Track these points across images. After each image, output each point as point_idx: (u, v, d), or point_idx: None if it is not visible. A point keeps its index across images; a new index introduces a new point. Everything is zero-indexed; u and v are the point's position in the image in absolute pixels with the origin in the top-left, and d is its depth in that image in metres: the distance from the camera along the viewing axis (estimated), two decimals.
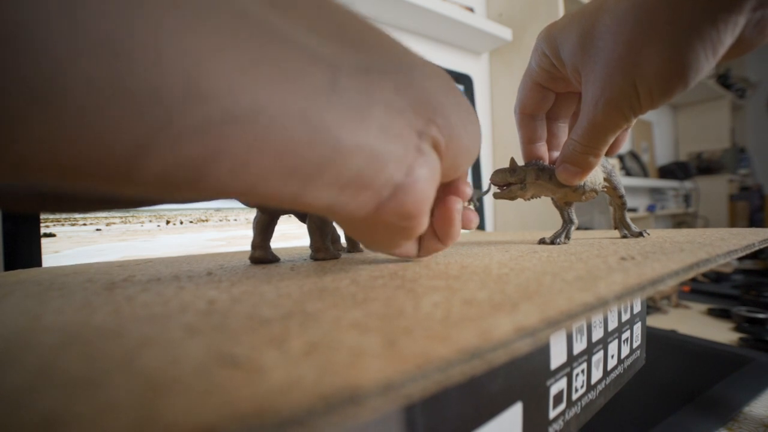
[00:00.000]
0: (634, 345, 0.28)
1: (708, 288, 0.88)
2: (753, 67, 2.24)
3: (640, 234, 0.28)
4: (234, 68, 0.09)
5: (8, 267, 0.32)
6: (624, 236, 0.29)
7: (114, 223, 0.38)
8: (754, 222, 1.81)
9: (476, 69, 0.83)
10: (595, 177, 0.27)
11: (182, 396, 0.06)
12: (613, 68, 0.20)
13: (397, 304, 0.11)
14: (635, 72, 0.19)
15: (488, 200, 0.81)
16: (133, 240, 0.39)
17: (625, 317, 0.26)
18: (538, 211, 0.75)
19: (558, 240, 0.27)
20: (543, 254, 0.20)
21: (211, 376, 0.06)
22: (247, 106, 0.09)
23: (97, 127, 0.08)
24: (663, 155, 1.91)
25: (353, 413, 0.06)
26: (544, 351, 0.17)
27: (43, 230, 0.34)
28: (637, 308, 0.28)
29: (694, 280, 0.95)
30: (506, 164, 0.27)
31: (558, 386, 0.18)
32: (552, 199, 0.28)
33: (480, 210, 0.69)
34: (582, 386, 0.20)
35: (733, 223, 1.81)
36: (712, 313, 0.70)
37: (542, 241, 0.27)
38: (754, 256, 1.12)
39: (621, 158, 1.50)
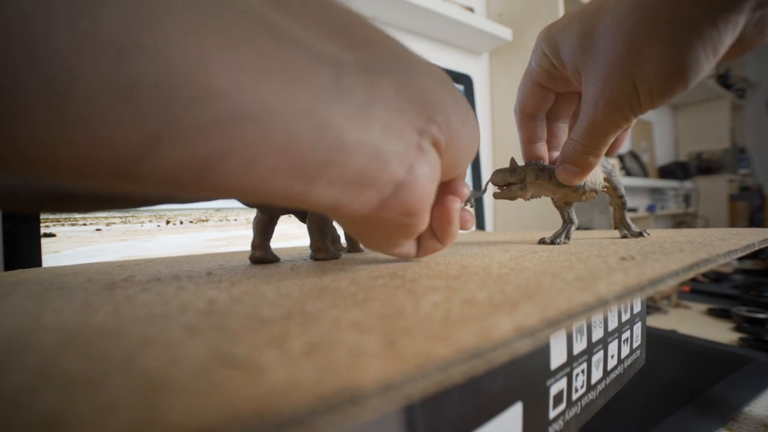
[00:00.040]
0: (634, 345, 0.28)
1: (708, 288, 0.88)
2: (753, 67, 2.24)
3: (640, 234, 0.28)
4: (241, 66, 0.09)
5: (8, 267, 0.32)
6: (624, 236, 0.29)
7: (114, 223, 0.38)
8: (754, 222, 1.81)
9: (476, 69, 0.83)
10: (595, 177, 0.27)
11: (182, 396, 0.06)
12: (613, 68, 0.20)
13: (397, 304, 0.11)
14: (635, 72, 0.19)
15: (488, 200, 0.81)
16: (133, 240, 0.39)
17: (625, 317, 0.26)
18: (538, 211, 0.75)
19: (558, 240, 0.27)
20: (543, 254, 0.20)
21: (211, 376, 0.06)
22: (253, 103, 0.09)
23: (109, 123, 0.08)
24: (663, 155, 1.91)
25: (353, 413, 0.06)
26: (544, 351, 0.17)
27: (43, 230, 0.34)
28: (637, 308, 0.28)
29: (694, 280, 0.95)
30: (506, 164, 0.27)
31: (558, 386, 0.18)
32: (552, 199, 0.28)
33: (480, 210, 0.69)
34: (582, 386, 0.20)
35: (733, 223, 1.81)
36: (712, 313, 0.70)
37: (542, 241, 0.27)
38: (754, 256, 1.12)
39: (621, 158, 1.50)
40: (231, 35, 0.09)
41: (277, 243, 0.36)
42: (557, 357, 0.18)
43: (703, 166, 1.92)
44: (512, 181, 0.26)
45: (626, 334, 0.26)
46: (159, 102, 0.08)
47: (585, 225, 0.78)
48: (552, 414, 0.18)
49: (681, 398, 0.34)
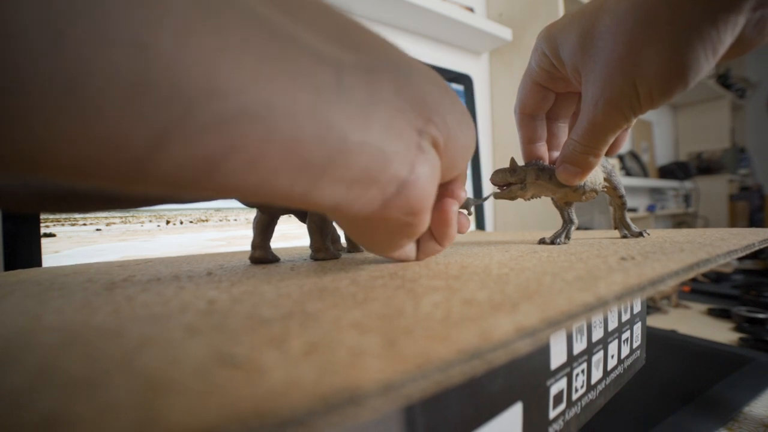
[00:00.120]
0: (634, 345, 0.28)
1: (708, 288, 0.88)
2: (753, 67, 2.23)
3: (640, 234, 0.28)
4: (242, 66, 0.09)
5: (8, 267, 0.32)
6: (624, 236, 0.29)
7: (114, 223, 0.38)
8: (754, 222, 1.81)
9: (476, 69, 0.83)
10: (595, 177, 0.27)
11: (182, 396, 0.06)
12: (613, 68, 0.20)
13: (397, 304, 0.11)
14: (635, 72, 0.19)
15: (488, 200, 0.81)
16: (133, 240, 0.39)
17: (625, 317, 0.26)
18: (538, 211, 0.75)
19: (558, 240, 0.27)
20: (543, 254, 0.20)
21: (211, 376, 0.06)
22: (255, 103, 0.09)
23: (112, 123, 0.08)
24: (663, 155, 1.91)
25: (353, 413, 0.06)
26: (544, 351, 0.17)
27: (43, 230, 0.34)
28: (637, 308, 0.28)
29: (694, 280, 0.95)
30: (506, 164, 0.27)
31: (558, 386, 0.18)
32: (552, 199, 0.28)
33: (480, 210, 0.69)
34: (582, 386, 0.20)
35: (733, 223, 1.81)
36: (712, 313, 0.70)
37: (542, 241, 0.27)
38: (754, 256, 1.12)
39: (621, 158, 1.50)
40: (232, 35, 0.09)
41: (277, 243, 0.36)
42: (557, 357, 0.18)
43: (703, 166, 1.92)
44: (512, 181, 0.26)
45: (626, 334, 0.26)
46: (161, 102, 0.08)
47: (585, 225, 0.78)
48: (552, 414, 0.18)
49: (681, 398, 0.34)
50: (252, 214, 0.43)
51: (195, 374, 0.06)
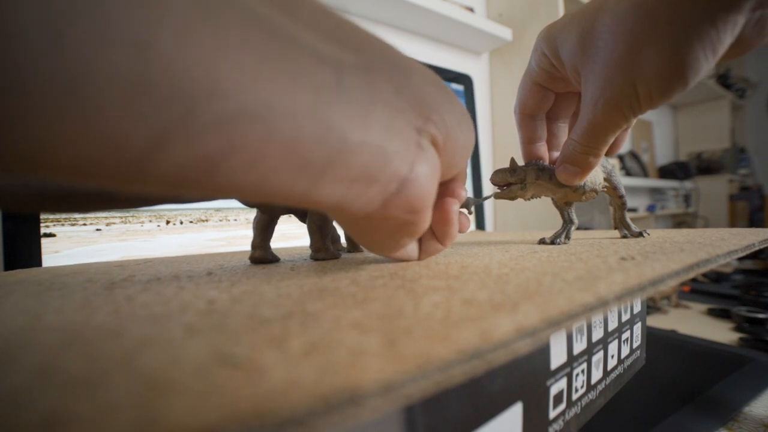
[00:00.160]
0: (634, 345, 0.28)
1: (708, 288, 0.88)
2: (753, 67, 2.23)
3: (640, 234, 0.28)
4: (242, 66, 0.09)
5: (8, 267, 0.32)
6: (624, 236, 0.29)
7: (114, 223, 0.38)
8: (754, 222, 1.81)
9: (476, 69, 0.83)
10: (595, 177, 0.27)
11: (182, 396, 0.06)
12: (612, 68, 0.20)
13: (397, 304, 0.11)
14: (635, 72, 0.19)
15: (488, 200, 0.81)
16: (133, 240, 0.39)
17: (625, 317, 0.26)
18: (538, 211, 0.75)
19: (558, 240, 0.27)
20: (543, 254, 0.20)
21: (211, 376, 0.06)
22: (259, 102, 0.09)
23: (113, 123, 0.08)
24: (663, 155, 1.91)
25: (353, 413, 0.06)
26: (544, 351, 0.17)
27: (43, 230, 0.34)
28: (637, 308, 0.28)
29: (694, 280, 0.95)
30: (506, 164, 0.27)
31: (558, 386, 0.18)
32: (552, 199, 0.28)
33: (480, 210, 0.69)
34: (582, 386, 0.20)
35: (733, 223, 1.81)
36: (712, 313, 0.70)
37: (542, 241, 0.27)
38: (754, 256, 1.12)
39: (621, 158, 1.50)
40: (232, 35, 0.09)
41: (277, 243, 0.36)
42: (557, 357, 0.18)
43: (703, 166, 1.92)
44: (512, 181, 0.26)
45: (626, 334, 0.26)
46: (161, 102, 0.08)
47: (585, 225, 0.78)
48: (552, 414, 0.18)
49: (681, 398, 0.34)
50: (252, 214, 0.43)
51: (195, 374, 0.06)
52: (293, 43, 0.10)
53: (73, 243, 0.36)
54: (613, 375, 0.24)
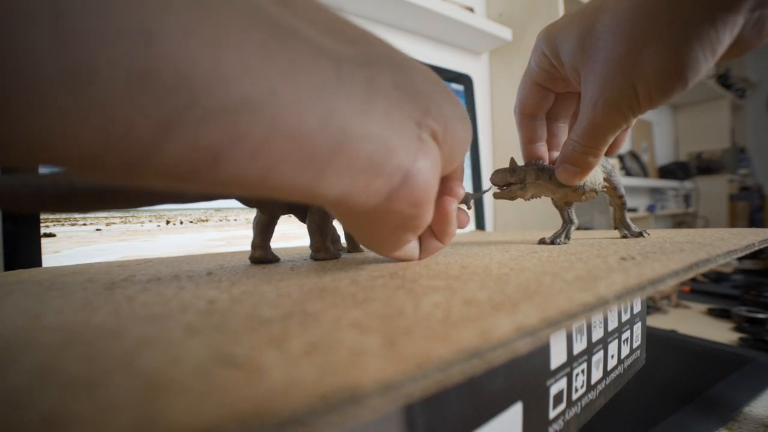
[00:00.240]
0: (634, 345, 0.28)
1: (708, 288, 0.88)
2: (753, 67, 2.23)
3: (640, 234, 0.28)
4: (244, 56, 0.09)
5: (8, 267, 0.32)
6: (624, 236, 0.29)
7: (114, 223, 0.38)
8: (754, 222, 1.81)
9: (476, 69, 0.83)
10: (595, 177, 0.27)
11: (182, 396, 0.06)
12: (612, 68, 0.20)
13: (397, 304, 0.11)
14: (635, 72, 0.19)
15: (488, 200, 0.81)
16: (133, 240, 0.39)
17: (625, 317, 0.26)
18: (538, 211, 0.75)
19: (558, 240, 0.27)
20: (543, 254, 0.20)
21: (211, 376, 0.06)
22: (263, 91, 0.09)
23: (124, 110, 0.08)
24: (663, 155, 1.91)
25: (353, 413, 0.06)
26: (544, 351, 0.17)
27: (43, 230, 0.34)
28: (637, 308, 0.28)
29: (694, 280, 0.95)
30: (506, 164, 0.27)
31: (558, 386, 0.18)
32: (552, 199, 0.28)
33: (480, 210, 0.69)
34: (582, 386, 0.20)
35: (733, 223, 1.81)
36: (712, 313, 0.70)
37: (542, 241, 0.27)
38: (754, 256, 1.11)
39: (621, 158, 1.50)
40: (233, 25, 0.09)
41: (277, 243, 0.36)
42: (557, 357, 0.18)
43: (703, 166, 1.92)
44: (512, 181, 0.26)
45: (626, 334, 0.26)
46: (165, 91, 0.08)
47: (585, 225, 0.78)
48: (552, 414, 0.18)
49: (681, 398, 0.34)
50: (252, 214, 0.43)
51: (195, 374, 0.06)
52: (293, 34, 0.10)
53: (73, 243, 0.36)
54: (613, 375, 0.24)
